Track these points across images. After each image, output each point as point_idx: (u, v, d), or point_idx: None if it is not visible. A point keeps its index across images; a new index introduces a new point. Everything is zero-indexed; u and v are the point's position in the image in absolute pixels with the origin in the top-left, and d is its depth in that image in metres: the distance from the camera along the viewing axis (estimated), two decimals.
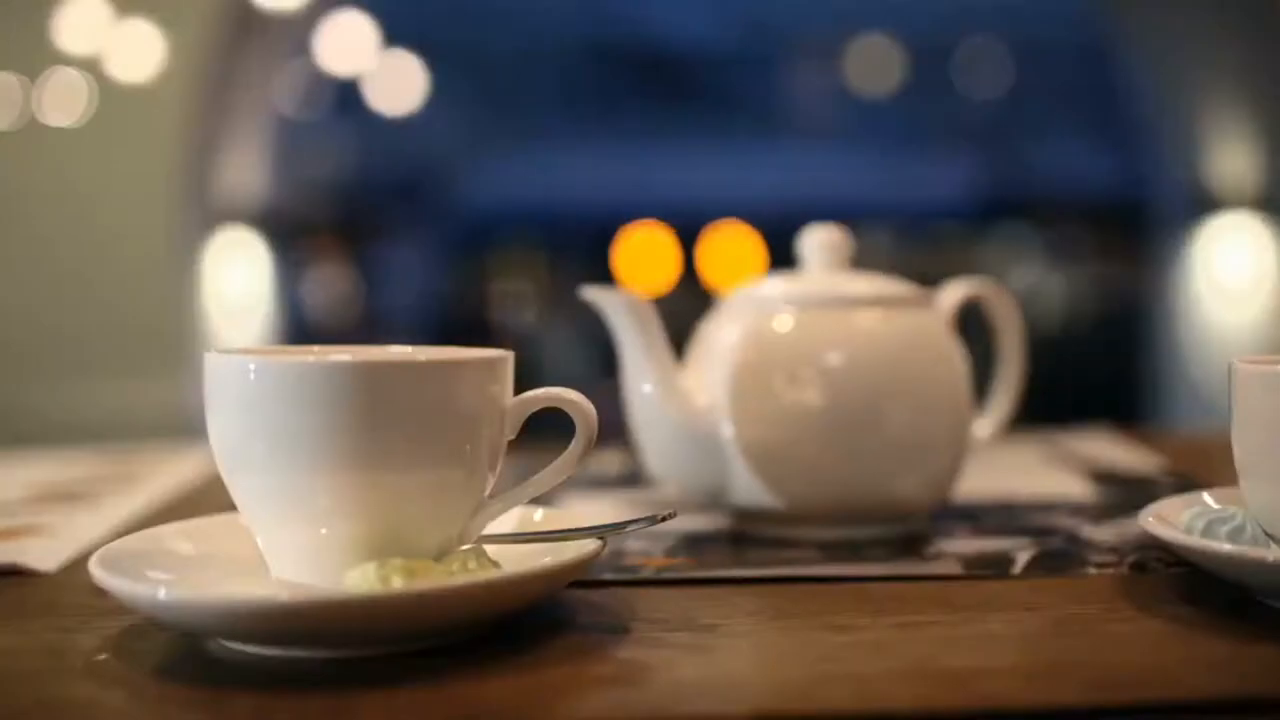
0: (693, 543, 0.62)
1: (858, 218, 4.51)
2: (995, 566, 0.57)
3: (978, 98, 5.48)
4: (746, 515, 0.64)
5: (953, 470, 0.64)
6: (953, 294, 0.69)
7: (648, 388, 0.63)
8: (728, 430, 0.62)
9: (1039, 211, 5.46)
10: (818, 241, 0.68)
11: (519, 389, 0.51)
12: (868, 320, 0.63)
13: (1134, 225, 4.62)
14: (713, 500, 0.64)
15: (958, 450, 0.64)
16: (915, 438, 0.62)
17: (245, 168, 3.84)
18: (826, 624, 0.48)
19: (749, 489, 0.62)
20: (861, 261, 0.70)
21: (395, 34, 3.97)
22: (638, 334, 0.63)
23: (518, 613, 0.48)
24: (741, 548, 0.61)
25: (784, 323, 0.63)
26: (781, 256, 0.75)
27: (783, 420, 0.61)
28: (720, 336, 0.64)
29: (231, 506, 0.50)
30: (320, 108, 4.58)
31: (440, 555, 0.48)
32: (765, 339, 0.63)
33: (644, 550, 0.60)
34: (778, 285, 0.66)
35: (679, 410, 0.62)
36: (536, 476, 0.51)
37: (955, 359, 0.65)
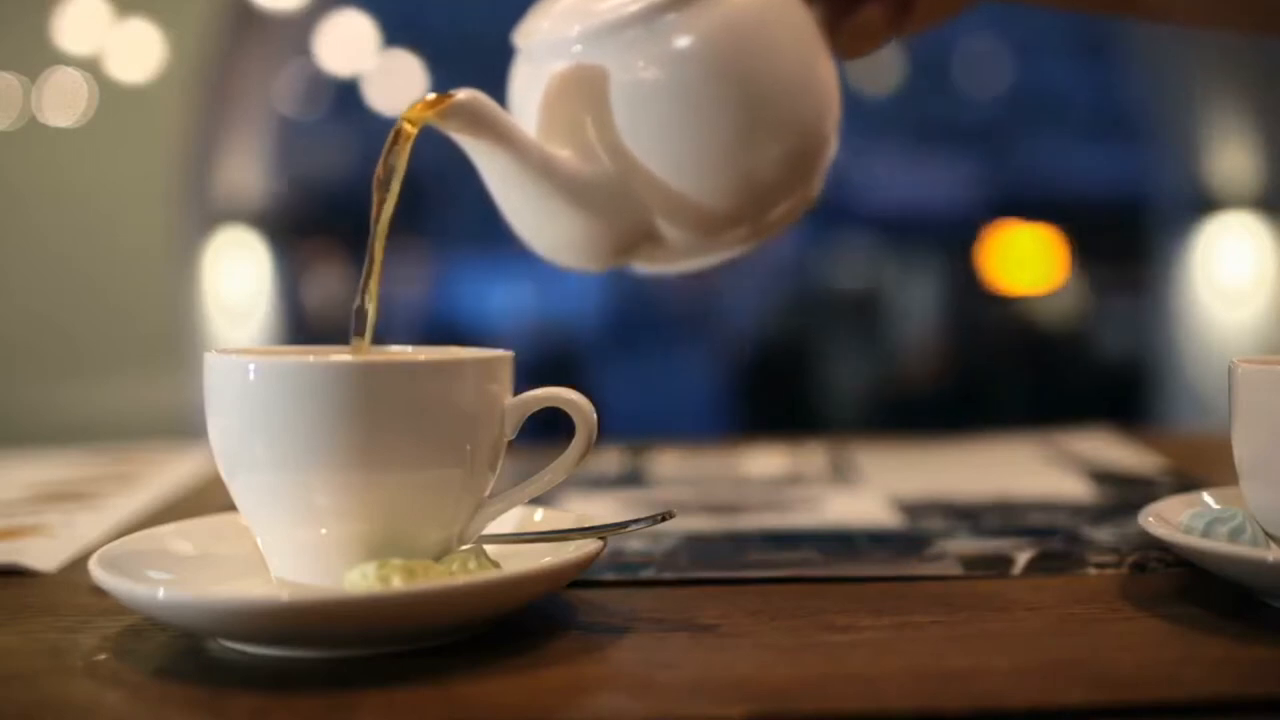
0: (693, 542, 0.62)
1: (857, 217, 4.52)
2: (995, 566, 0.57)
3: (978, 98, 5.48)
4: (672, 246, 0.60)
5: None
6: None
7: (537, 178, 0.56)
8: (630, 168, 0.57)
9: (1038, 211, 5.46)
10: None
11: (519, 389, 0.51)
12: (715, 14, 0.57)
13: (1134, 225, 4.61)
14: (635, 240, 0.59)
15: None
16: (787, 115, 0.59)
17: (245, 168, 3.84)
18: (826, 624, 0.48)
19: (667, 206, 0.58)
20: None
21: (395, 34, 3.97)
22: (496, 130, 0.56)
23: (518, 613, 0.48)
24: (741, 547, 0.61)
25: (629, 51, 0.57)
26: None
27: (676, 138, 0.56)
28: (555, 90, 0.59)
29: (231, 506, 0.50)
30: (320, 108, 4.58)
31: (440, 555, 0.48)
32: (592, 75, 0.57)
33: (644, 550, 0.60)
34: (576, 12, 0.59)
35: (576, 178, 0.56)
36: (536, 476, 0.51)
37: (803, 22, 0.61)
